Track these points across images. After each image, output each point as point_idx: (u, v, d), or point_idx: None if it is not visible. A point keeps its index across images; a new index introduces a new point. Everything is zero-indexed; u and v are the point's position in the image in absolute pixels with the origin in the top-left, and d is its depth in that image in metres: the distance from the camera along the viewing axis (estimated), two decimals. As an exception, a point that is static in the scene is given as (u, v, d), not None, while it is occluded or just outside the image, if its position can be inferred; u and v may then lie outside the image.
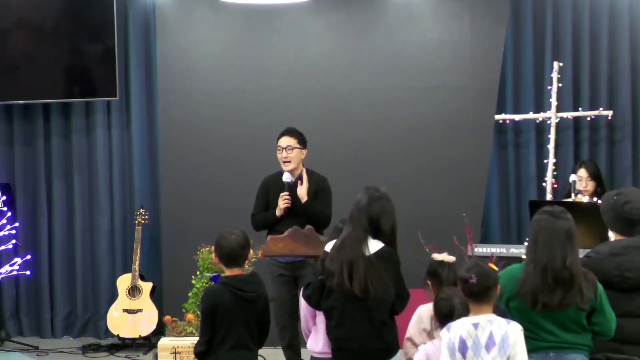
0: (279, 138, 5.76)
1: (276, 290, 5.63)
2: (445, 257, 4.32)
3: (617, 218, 4.20)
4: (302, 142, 5.73)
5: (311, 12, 6.89)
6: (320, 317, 4.28)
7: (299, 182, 5.63)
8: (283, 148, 5.68)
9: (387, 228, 4.19)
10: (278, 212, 5.64)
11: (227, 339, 4.23)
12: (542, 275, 3.76)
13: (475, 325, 3.64)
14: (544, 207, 3.94)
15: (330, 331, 4.19)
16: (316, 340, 4.34)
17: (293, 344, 5.76)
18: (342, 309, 4.11)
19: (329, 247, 4.25)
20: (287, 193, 5.60)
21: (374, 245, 4.14)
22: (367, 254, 4.09)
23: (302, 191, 5.60)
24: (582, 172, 6.25)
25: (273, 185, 5.74)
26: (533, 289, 3.76)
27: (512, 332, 3.59)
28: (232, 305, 4.21)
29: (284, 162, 5.68)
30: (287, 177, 5.65)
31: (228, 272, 4.29)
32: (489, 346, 3.59)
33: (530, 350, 3.75)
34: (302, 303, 4.38)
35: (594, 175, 6.27)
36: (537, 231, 3.86)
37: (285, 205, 5.59)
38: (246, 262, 4.35)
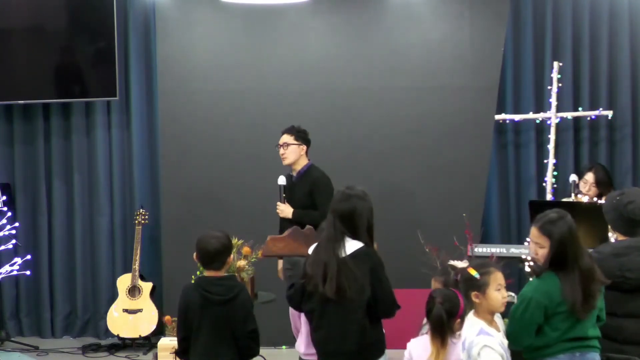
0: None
1: None
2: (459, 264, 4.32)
3: (620, 218, 4.21)
4: (300, 138, 5.86)
5: (311, 12, 6.89)
6: (303, 319, 4.28)
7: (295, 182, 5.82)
8: (280, 145, 5.87)
9: (362, 227, 4.10)
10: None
11: (197, 342, 4.20)
12: (582, 282, 3.69)
13: (467, 320, 3.70)
14: (547, 216, 3.81)
15: (311, 334, 4.20)
16: (300, 341, 4.36)
17: None
18: (320, 311, 4.09)
19: (312, 249, 4.23)
20: (278, 203, 5.80)
21: (352, 246, 4.07)
22: (342, 255, 4.03)
23: (284, 210, 5.78)
24: (589, 177, 6.16)
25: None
26: (581, 300, 3.67)
27: (476, 345, 3.57)
28: (199, 306, 4.18)
29: (282, 158, 5.87)
30: (281, 180, 5.82)
31: (206, 273, 4.28)
32: (463, 346, 3.63)
33: (559, 352, 3.71)
34: None
35: (601, 183, 6.16)
36: (564, 238, 3.73)
37: (281, 215, 5.81)
38: (226, 266, 4.27)
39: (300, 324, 4.36)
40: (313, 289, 4.06)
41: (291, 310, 4.40)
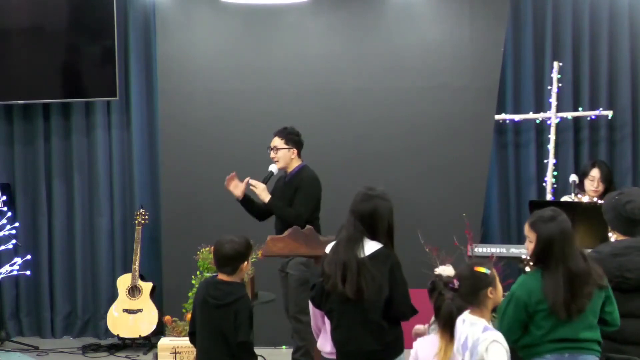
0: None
1: None
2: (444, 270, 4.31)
3: (619, 218, 4.20)
4: (291, 141, 5.79)
5: (311, 12, 6.89)
6: (327, 318, 4.29)
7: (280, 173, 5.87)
8: (271, 149, 5.83)
9: (382, 228, 4.12)
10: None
11: (198, 339, 4.20)
12: (569, 283, 3.67)
13: (463, 321, 3.67)
14: (541, 213, 3.81)
15: (331, 333, 4.20)
16: (325, 340, 4.34)
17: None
18: (339, 311, 4.09)
19: (329, 248, 4.23)
20: (257, 183, 5.78)
21: (371, 247, 4.09)
22: (361, 255, 4.04)
23: (261, 192, 5.77)
24: (595, 172, 6.17)
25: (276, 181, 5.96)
26: (564, 300, 3.65)
27: (484, 340, 3.53)
28: (199, 304, 4.19)
29: (274, 161, 5.85)
30: (272, 167, 5.84)
31: (218, 275, 4.26)
32: (464, 347, 3.62)
33: (546, 352, 3.71)
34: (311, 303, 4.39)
35: (606, 178, 6.17)
36: (552, 237, 3.72)
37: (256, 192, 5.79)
38: (239, 272, 4.22)
39: (323, 322, 4.34)
40: (331, 288, 4.06)
41: (312, 309, 4.36)
